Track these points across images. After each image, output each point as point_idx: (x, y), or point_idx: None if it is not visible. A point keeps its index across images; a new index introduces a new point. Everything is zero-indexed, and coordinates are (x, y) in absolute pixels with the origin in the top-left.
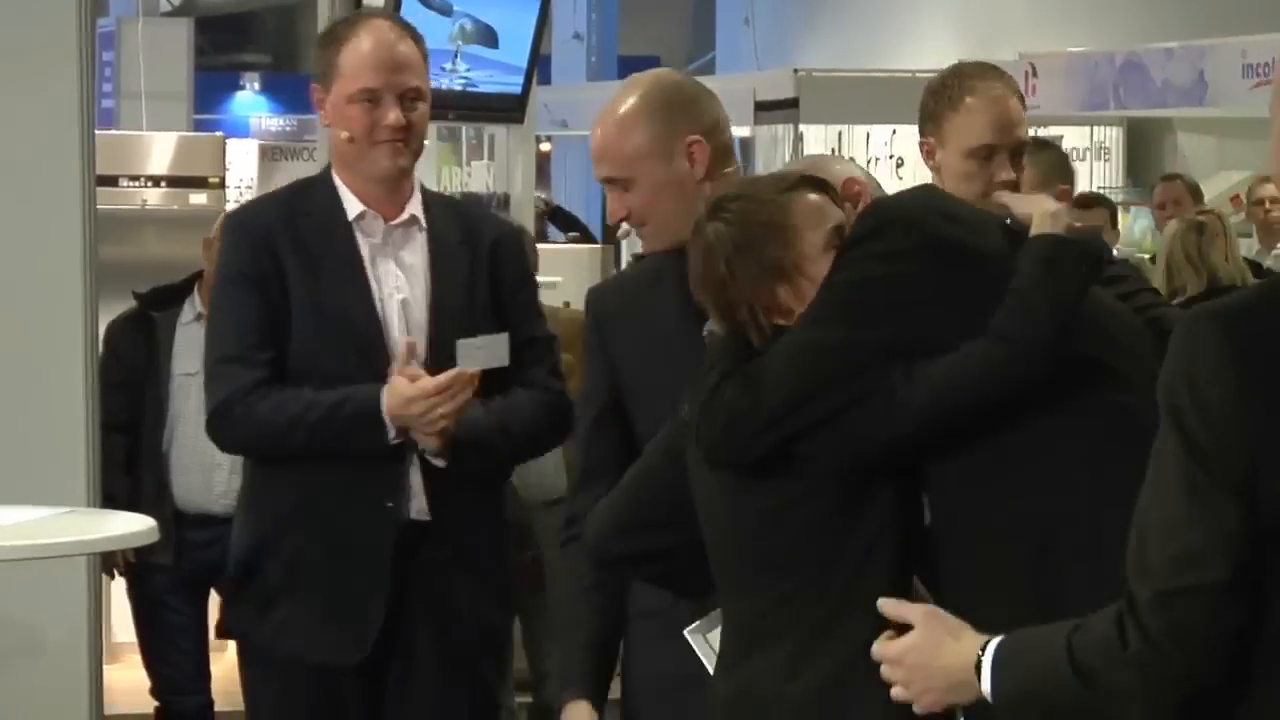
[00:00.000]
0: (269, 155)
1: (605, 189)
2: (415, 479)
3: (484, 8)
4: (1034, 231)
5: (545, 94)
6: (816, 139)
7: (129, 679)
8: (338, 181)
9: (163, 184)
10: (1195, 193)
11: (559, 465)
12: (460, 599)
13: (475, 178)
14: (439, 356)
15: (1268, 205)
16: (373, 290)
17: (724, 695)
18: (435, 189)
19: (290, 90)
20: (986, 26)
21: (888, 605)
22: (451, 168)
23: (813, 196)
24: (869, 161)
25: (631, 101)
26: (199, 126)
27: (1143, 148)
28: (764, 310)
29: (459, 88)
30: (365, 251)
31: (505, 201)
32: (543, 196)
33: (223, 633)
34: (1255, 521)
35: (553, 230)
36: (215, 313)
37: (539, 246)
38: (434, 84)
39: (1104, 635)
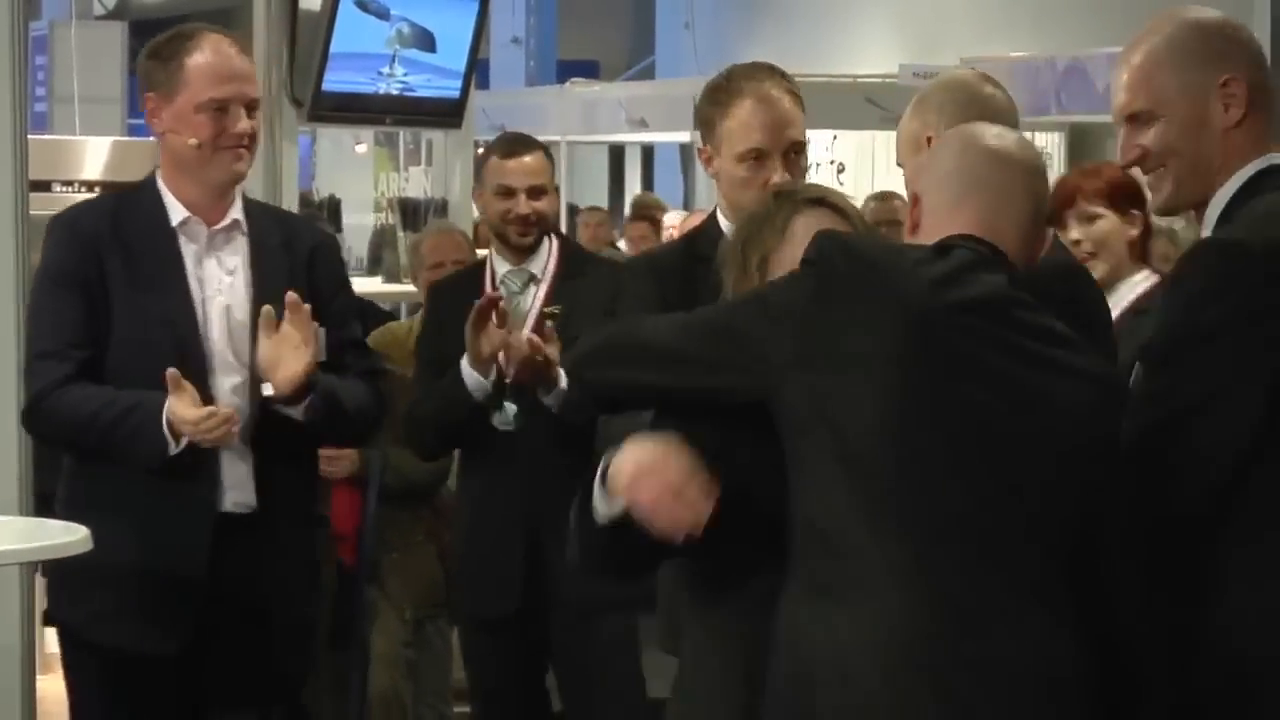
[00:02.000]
0: (251, 161)
1: None
2: (233, 471)
3: (422, 12)
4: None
5: (484, 99)
6: None
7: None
8: (163, 188)
9: (97, 189)
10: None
11: None
12: (275, 590)
13: (413, 183)
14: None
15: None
16: (194, 294)
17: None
18: (373, 195)
19: None
20: (928, 31)
21: None
22: (389, 173)
23: (820, 216)
24: (809, 167)
25: None
26: (133, 131)
27: (1084, 153)
28: None
29: (396, 92)
30: (188, 257)
31: (443, 207)
32: None
33: (48, 620)
34: None
35: None
36: (36, 310)
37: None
38: (371, 89)
39: None
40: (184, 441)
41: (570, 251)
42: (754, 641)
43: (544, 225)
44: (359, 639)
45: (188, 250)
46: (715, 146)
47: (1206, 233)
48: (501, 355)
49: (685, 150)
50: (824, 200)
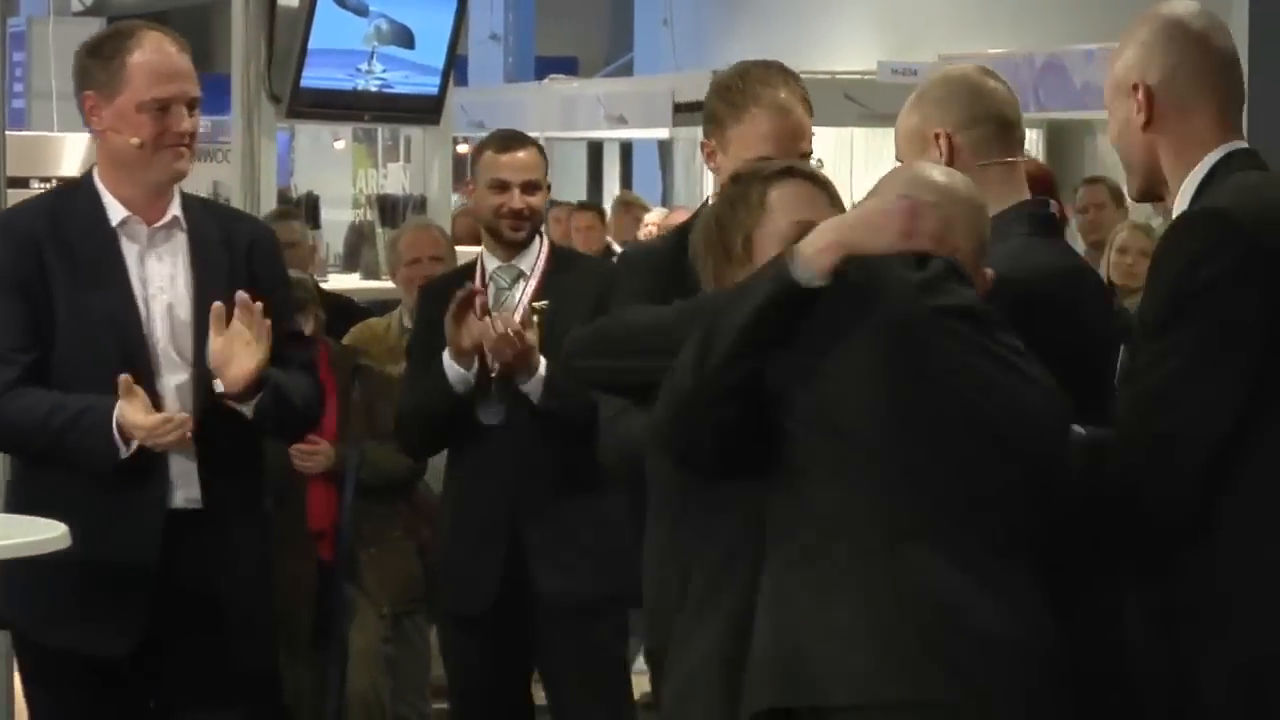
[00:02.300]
0: (192, 160)
1: None
2: (181, 467)
3: (400, 8)
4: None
5: (462, 95)
6: None
7: None
8: (101, 188)
9: None
10: (1118, 196)
11: None
12: (227, 586)
13: (391, 179)
14: (205, 352)
15: None
16: (136, 293)
17: None
18: (352, 191)
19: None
20: (906, 28)
21: None
22: (367, 170)
23: (797, 186)
24: None
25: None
26: None
27: (1062, 149)
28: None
29: (375, 89)
30: (129, 255)
31: (422, 204)
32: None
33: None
34: None
35: None
36: None
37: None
38: (350, 85)
39: None
40: (134, 445)
41: (560, 249)
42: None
43: (536, 220)
44: (338, 636)
45: (129, 249)
46: (722, 145)
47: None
48: (485, 349)
49: (664, 146)
50: (792, 170)
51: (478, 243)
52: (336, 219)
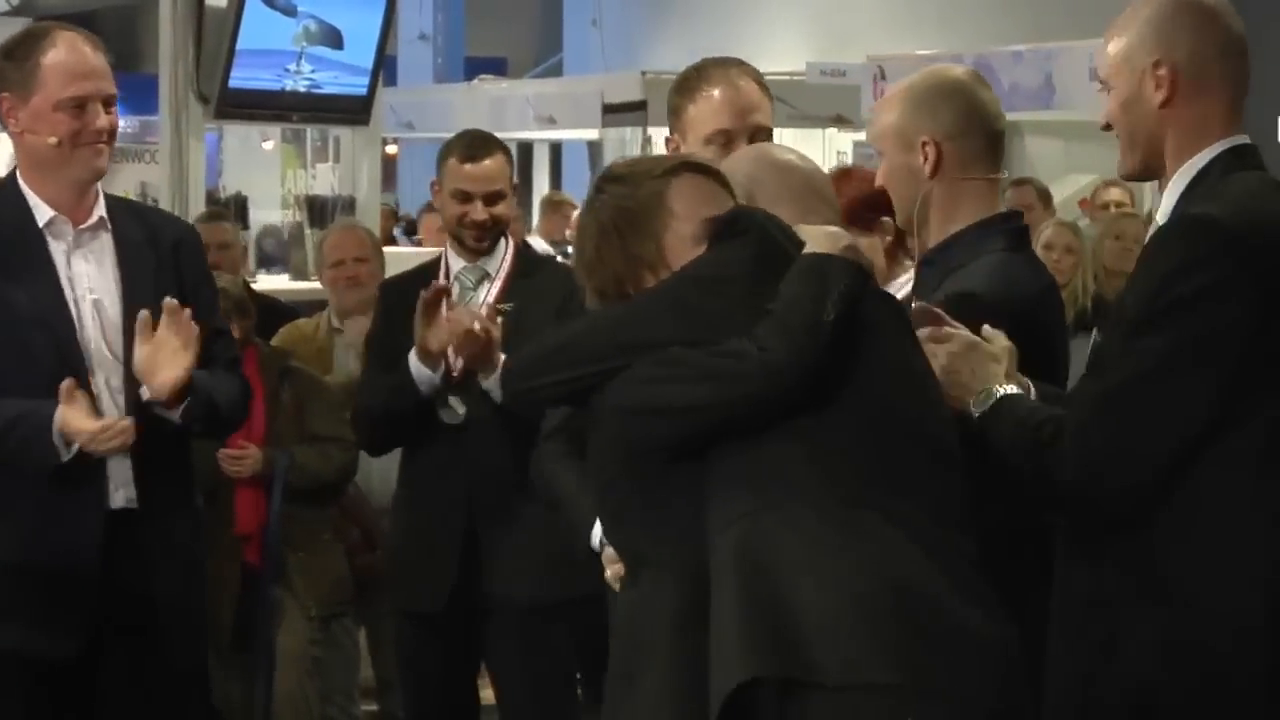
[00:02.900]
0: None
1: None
2: (118, 467)
3: (329, 9)
4: (806, 250)
5: (391, 96)
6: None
7: None
8: (26, 189)
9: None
10: (1046, 197)
11: None
12: (166, 585)
13: (320, 180)
14: (132, 341)
15: (1113, 209)
16: (66, 292)
17: None
18: (280, 192)
19: (132, 91)
20: (835, 29)
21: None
22: (296, 170)
23: (694, 183)
24: None
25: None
26: None
27: None
28: (628, 296)
29: (303, 89)
30: (57, 255)
31: (351, 204)
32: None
33: None
34: None
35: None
36: None
37: (386, 250)
38: (278, 86)
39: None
40: (75, 449)
41: (526, 251)
42: None
43: (500, 229)
44: (265, 639)
45: (56, 249)
46: (682, 133)
47: (1166, 207)
48: (450, 349)
49: (593, 147)
50: (686, 164)
51: (444, 241)
52: (265, 219)
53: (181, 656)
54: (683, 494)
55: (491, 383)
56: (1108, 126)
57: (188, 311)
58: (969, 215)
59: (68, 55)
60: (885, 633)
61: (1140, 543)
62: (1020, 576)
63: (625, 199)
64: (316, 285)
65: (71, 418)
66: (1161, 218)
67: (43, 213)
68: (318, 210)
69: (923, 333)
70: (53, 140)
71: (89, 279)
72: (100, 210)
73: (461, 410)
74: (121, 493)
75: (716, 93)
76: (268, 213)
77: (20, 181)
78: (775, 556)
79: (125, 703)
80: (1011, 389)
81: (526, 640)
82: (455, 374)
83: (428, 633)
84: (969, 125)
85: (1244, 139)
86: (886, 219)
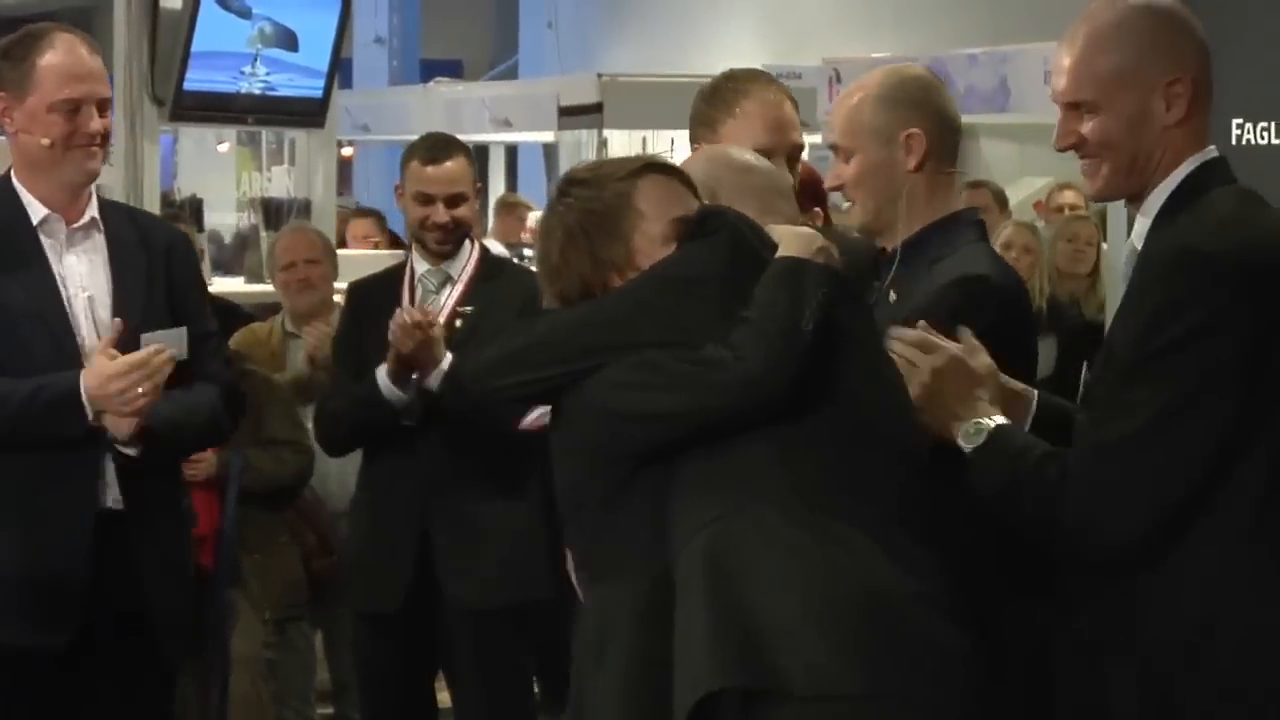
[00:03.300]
0: (104, 159)
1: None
2: (109, 470)
3: (284, 11)
4: (779, 253)
5: (347, 98)
6: (621, 144)
7: None
8: (20, 188)
9: None
10: (1001, 200)
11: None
12: (153, 585)
13: (275, 183)
14: (125, 348)
15: (1067, 211)
16: (60, 289)
17: None
18: (235, 195)
19: None
20: (791, 31)
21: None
22: (251, 173)
23: (659, 184)
24: None
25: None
26: None
27: None
28: (598, 295)
29: (258, 92)
30: (50, 253)
31: (306, 207)
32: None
33: None
34: None
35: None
36: None
37: (341, 253)
38: (233, 88)
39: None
40: (91, 417)
41: (490, 255)
42: None
43: (463, 231)
44: (220, 642)
45: (49, 247)
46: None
47: (1144, 224)
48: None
49: (549, 149)
50: (651, 165)
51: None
52: (220, 222)
53: (166, 658)
54: (647, 497)
55: (432, 378)
56: (1076, 147)
57: (161, 357)
58: (939, 210)
59: (64, 57)
60: (852, 642)
61: (1136, 585)
62: (989, 586)
63: (592, 201)
64: (269, 288)
65: (105, 365)
66: (1137, 240)
67: (36, 211)
68: (273, 213)
69: (908, 335)
70: (45, 141)
71: (81, 276)
72: (93, 211)
73: (419, 408)
74: (112, 493)
75: (757, 109)
76: (223, 215)
77: (14, 180)
78: (743, 564)
79: (109, 703)
80: (1000, 419)
81: (482, 642)
82: (414, 375)
83: (384, 635)
84: (945, 120)
85: (1214, 150)
86: (818, 209)
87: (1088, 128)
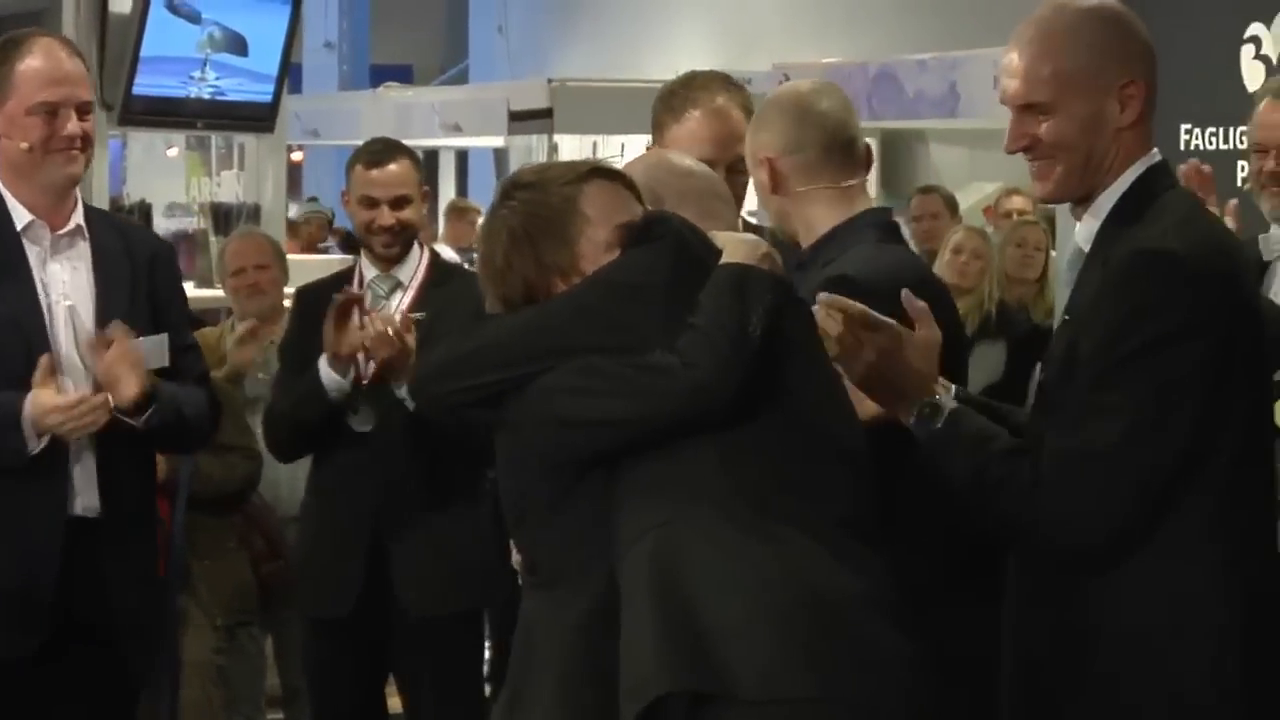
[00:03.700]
0: (86, 164)
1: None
2: (81, 475)
3: (233, 15)
4: (724, 259)
5: (296, 103)
6: (571, 149)
7: None
8: (4, 192)
9: None
10: (952, 205)
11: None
12: (121, 594)
13: (225, 187)
14: (103, 352)
15: (1016, 217)
16: (40, 297)
17: None
18: (184, 200)
19: None
20: (741, 37)
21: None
22: (200, 178)
23: (605, 189)
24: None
25: None
26: None
27: (896, 158)
28: (542, 299)
29: (208, 96)
30: (33, 259)
31: (255, 212)
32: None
33: None
34: None
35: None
36: None
37: (291, 257)
38: (182, 92)
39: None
40: (44, 440)
41: (440, 260)
42: None
43: (410, 234)
44: (169, 647)
45: (32, 253)
46: (664, 148)
47: (1091, 226)
48: (360, 355)
49: (499, 155)
50: (596, 170)
51: (314, 251)
52: (170, 227)
53: (135, 667)
54: (593, 501)
55: (405, 391)
56: (1028, 149)
57: (95, 401)
58: (827, 222)
59: (43, 61)
60: (801, 645)
61: (1095, 584)
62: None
63: (537, 205)
64: (218, 293)
65: (43, 397)
66: (1084, 241)
67: (20, 216)
68: (223, 218)
69: (851, 306)
70: (25, 145)
71: (64, 284)
72: (78, 218)
73: (371, 417)
74: (81, 500)
75: (700, 118)
76: (173, 220)
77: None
78: (689, 567)
79: (76, 711)
80: (953, 401)
81: (434, 647)
82: (365, 380)
83: (335, 640)
84: (801, 138)
85: (1158, 154)
86: (888, 208)
87: (1042, 129)
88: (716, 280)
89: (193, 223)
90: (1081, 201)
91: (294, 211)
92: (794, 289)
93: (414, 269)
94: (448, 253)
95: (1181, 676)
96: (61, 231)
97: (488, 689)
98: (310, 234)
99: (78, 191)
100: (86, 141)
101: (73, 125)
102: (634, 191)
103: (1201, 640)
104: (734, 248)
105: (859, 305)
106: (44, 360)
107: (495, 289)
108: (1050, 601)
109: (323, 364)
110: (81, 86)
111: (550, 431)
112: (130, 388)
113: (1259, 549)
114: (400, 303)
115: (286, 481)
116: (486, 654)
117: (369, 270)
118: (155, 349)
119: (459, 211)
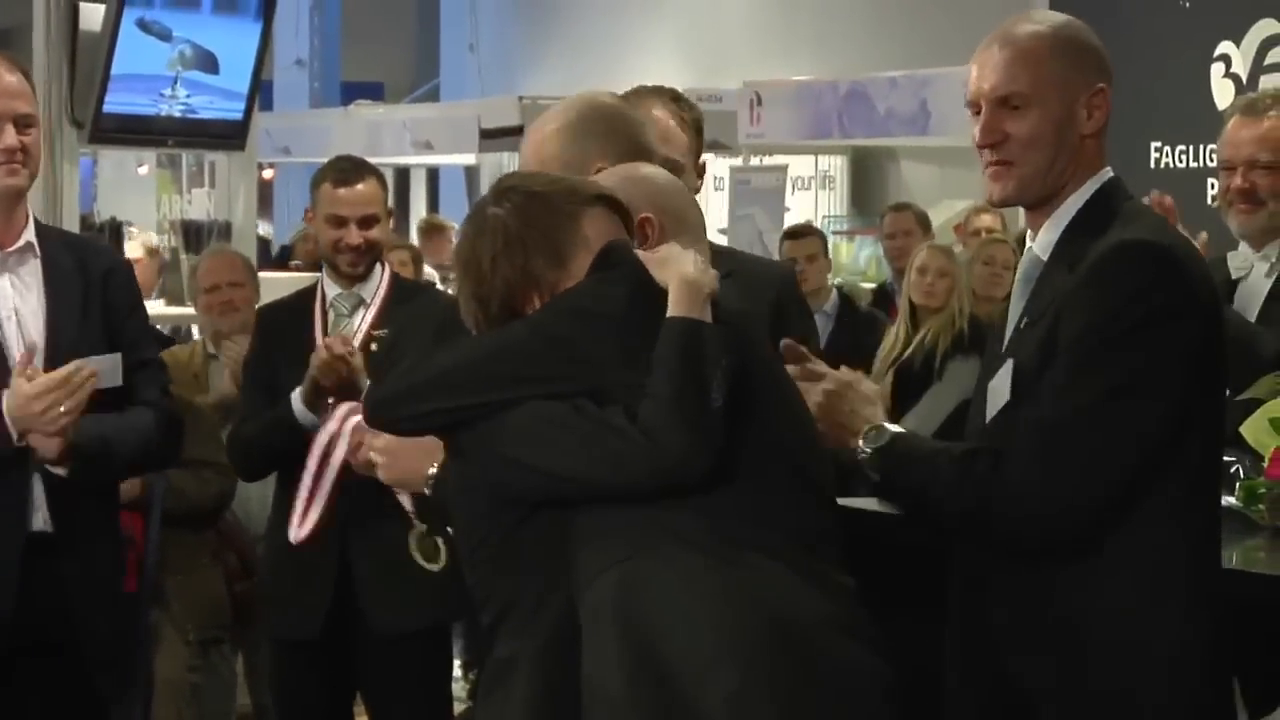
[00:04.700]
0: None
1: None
2: (38, 491)
3: (204, 33)
4: (671, 307)
5: (267, 120)
6: None
7: None
8: None
9: None
10: (924, 223)
11: None
12: (80, 611)
13: (196, 205)
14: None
15: (984, 235)
16: None
17: None
18: (155, 217)
19: None
20: (712, 55)
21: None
22: (171, 196)
23: (607, 219)
24: None
25: None
26: None
27: (867, 176)
28: (511, 311)
29: (179, 114)
30: None
31: (227, 229)
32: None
33: None
34: None
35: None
36: None
37: (262, 275)
38: (153, 110)
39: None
40: (15, 437)
41: (402, 279)
42: None
43: (375, 254)
44: (143, 664)
45: None
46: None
47: (1051, 234)
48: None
49: (470, 172)
50: (604, 199)
51: (318, 269)
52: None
53: (103, 685)
54: (552, 531)
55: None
56: (997, 145)
57: (82, 375)
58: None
59: None
60: (767, 672)
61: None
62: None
63: (540, 216)
64: (189, 311)
65: (24, 385)
66: (1041, 250)
67: None
68: (193, 236)
69: (791, 370)
70: None
71: (13, 302)
72: (29, 235)
73: None
74: (41, 515)
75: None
76: (144, 238)
77: None
78: (654, 599)
79: None
80: (896, 427)
81: (402, 666)
82: (330, 400)
83: (303, 660)
84: (632, 147)
85: (1110, 170)
86: None
87: (1016, 125)
88: (668, 340)
89: (164, 241)
90: (1034, 209)
91: (263, 229)
92: (743, 328)
93: (376, 287)
94: (428, 270)
95: (1155, 661)
96: (10, 249)
97: (458, 707)
98: (308, 252)
99: (29, 209)
100: (27, 154)
101: (10, 138)
102: (629, 224)
103: (1174, 622)
104: (679, 295)
105: (806, 358)
106: (22, 355)
107: (471, 285)
108: (1005, 601)
109: (296, 402)
110: (21, 99)
111: (510, 470)
112: (49, 443)
113: (1216, 540)
114: (362, 321)
115: (258, 498)
116: (456, 671)
117: (331, 288)
118: (107, 367)
119: (435, 228)
